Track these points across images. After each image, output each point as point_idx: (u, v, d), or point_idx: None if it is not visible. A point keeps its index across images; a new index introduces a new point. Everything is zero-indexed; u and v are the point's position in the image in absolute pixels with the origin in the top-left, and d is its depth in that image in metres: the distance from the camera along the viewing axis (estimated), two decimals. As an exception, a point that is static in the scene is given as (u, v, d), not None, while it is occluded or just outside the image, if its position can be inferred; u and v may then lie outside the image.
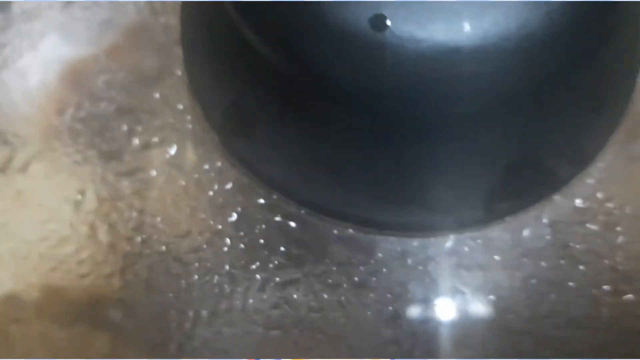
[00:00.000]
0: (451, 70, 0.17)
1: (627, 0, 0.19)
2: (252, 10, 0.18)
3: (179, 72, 0.24)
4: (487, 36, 0.16)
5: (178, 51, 0.24)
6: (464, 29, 0.16)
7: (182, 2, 0.24)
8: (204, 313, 0.21)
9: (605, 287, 0.21)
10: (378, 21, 0.16)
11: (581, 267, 0.21)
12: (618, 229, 0.22)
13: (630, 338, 0.21)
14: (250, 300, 0.21)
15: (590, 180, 0.22)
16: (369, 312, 0.21)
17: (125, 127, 0.23)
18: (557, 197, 0.22)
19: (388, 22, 0.16)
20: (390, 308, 0.21)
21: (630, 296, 0.21)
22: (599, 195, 0.22)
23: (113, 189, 0.23)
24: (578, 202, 0.22)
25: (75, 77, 0.24)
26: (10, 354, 0.22)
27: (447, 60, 0.17)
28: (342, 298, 0.21)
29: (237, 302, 0.21)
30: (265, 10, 0.18)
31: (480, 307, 0.21)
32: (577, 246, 0.22)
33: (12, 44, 0.25)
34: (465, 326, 0.21)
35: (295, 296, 0.21)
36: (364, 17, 0.16)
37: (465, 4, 0.16)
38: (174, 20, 0.24)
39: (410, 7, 0.16)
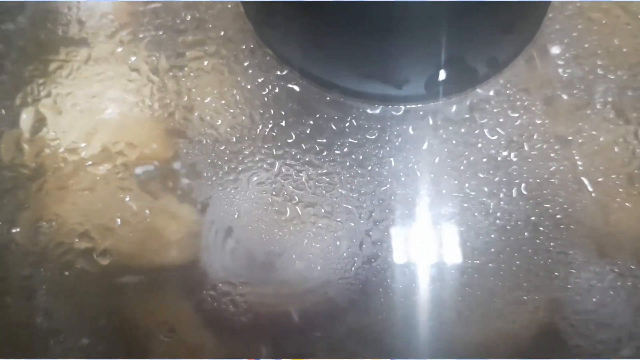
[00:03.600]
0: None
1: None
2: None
3: (230, -18, 0.34)
4: (427, -35, 0.27)
5: (230, -33, 0.34)
6: (413, -41, 0.26)
7: None
8: (234, 138, 0.31)
9: (503, 152, 0.32)
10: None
11: (489, 136, 0.31)
12: (515, 114, 0.32)
13: (511, 183, 0.31)
14: (265, 132, 0.31)
15: (501, 80, 0.32)
16: (345, 149, 0.31)
17: (189, 16, 0.34)
18: (476, 88, 0.32)
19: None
20: (358, 150, 0.32)
21: (514, 158, 0.31)
22: (508, 92, 0.32)
23: (178, 55, 0.33)
24: (491, 93, 0.32)
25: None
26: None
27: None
28: (325, 140, 0.32)
29: (256, 133, 0.32)
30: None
31: (415, 152, 0.31)
32: (488, 122, 0.32)
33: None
34: (403, 157, 0.31)
35: (293, 134, 0.32)
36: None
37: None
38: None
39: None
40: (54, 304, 0.31)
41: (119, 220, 0.31)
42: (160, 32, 0.33)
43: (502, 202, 0.31)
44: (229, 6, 0.33)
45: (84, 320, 0.31)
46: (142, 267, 0.31)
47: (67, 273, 0.31)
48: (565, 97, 0.32)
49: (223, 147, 0.31)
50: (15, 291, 0.31)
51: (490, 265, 0.30)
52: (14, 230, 0.31)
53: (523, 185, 0.31)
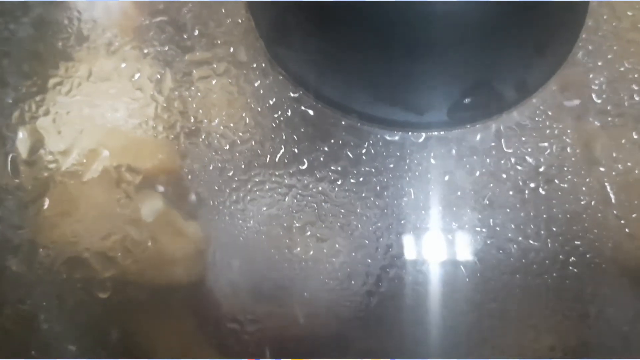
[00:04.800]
0: (430, 9, 0.25)
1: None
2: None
3: (241, -6, 0.32)
4: (455, -13, 0.24)
5: (241, -21, 0.32)
6: (440, -19, 0.24)
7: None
8: (243, 164, 0.29)
9: (531, 184, 0.29)
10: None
11: (516, 166, 0.29)
12: (545, 143, 0.30)
13: (539, 218, 0.29)
14: (276, 160, 0.29)
15: (530, 106, 0.30)
16: (361, 178, 0.29)
17: (197, 31, 0.32)
18: (503, 114, 0.30)
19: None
20: (375, 179, 0.29)
21: (542, 191, 0.29)
22: (537, 118, 0.30)
23: (185, 74, 0.31)
24: (519, 120, 0.30)
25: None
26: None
27: (428, 2, 0.25)
28: (339, 168, 0.30)
29: (266, 159, 0.30)
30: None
31: (436, 184, 0.29)
32: (515, 152, 0.30)
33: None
34: (423, 188, 0.29)
35: (305, 160, 0.29)
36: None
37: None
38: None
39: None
40: (52, 334, 0.29)
41: (120, 247, 0.29)
42: (166, 48, 0.31)
43: (529, 239, 0.29)
44: (240, 21, 0.31)
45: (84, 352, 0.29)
46: (145, 289, 0.29)
47: (66, 301, 0.29)
48: (598, 124, 0.30)
49: (231, 174, 0.29)
50: (12, 321, 0.29)
51: (515, 307, 0.28)
52: (9, 257, 0.30)
53: (552, 220, 0.29)
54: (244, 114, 0.30)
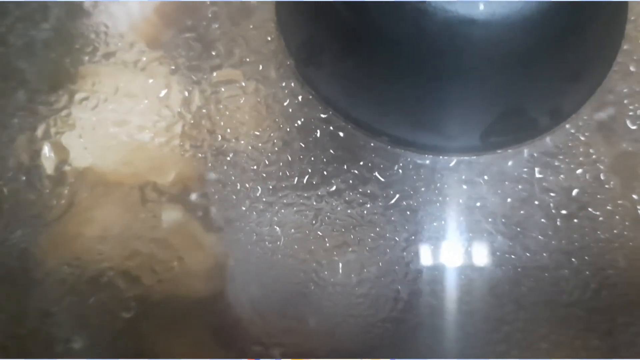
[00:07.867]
0: (467, 34, 0.24)
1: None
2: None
3: (270, 11, 0.31)
4: (495, 14, 0.24)
5: (271, -5, 0.31)
6: (479, 7, 0.24)
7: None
8: (270, 185, 0.29)
9: (563, 211, 0.29)
10: (422, -6, 0.24)
11: (550, 193, 0.29)
12: (579, 170, 0.29)
13: (571, 246, 0.28)
14: (304, 181, 0.29)
15: (564, 132, 0.29)
16: (390, 201, 0.29)
17: (225, 48, 0.31)
18: (536, 140, 0.29)
19: (429, -4, 0.24)
20: (404, 203, 0.29)
21: (575, 219, 0.29)
22: (570, 144, 0.29)
23: (213, 92, 0.31)
24: (553, 146, 0.29)
25: (192, 8, 0.32)
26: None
27: (465, 26, 0.24)
28: (369, 191, 0.29)
29: (294, 182, 0.29)
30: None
31: (467, 209, 0.29)
32: (548, 178, 0.29)
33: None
34: (453, 212, 0.29)
35: (334, 182, 0.29)
36: (412, -10, 0.24)
37: (482, -10, 0.24)
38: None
39: (445, -13, 0.24)
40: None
41: (143, 268, 0.29)
42: (194, 64, 0.31)
43: (560, 268, 0.28)
44: (269, 39, 0.31)
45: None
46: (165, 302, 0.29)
47: (88, 319, 0.29)
48: (633, 151, 0.29)
49: (258, 194, 0.29)
50: (32, 338, 0.29)
51: (544, 337, 0.28)
52: (32, 273, 0.29)
53: (584, 248, 0.28)
54: (272, 134, 0.30)
